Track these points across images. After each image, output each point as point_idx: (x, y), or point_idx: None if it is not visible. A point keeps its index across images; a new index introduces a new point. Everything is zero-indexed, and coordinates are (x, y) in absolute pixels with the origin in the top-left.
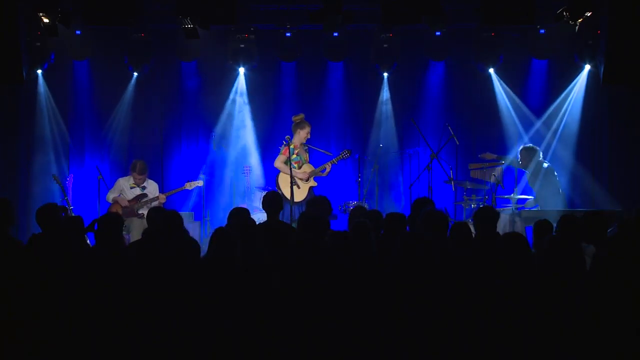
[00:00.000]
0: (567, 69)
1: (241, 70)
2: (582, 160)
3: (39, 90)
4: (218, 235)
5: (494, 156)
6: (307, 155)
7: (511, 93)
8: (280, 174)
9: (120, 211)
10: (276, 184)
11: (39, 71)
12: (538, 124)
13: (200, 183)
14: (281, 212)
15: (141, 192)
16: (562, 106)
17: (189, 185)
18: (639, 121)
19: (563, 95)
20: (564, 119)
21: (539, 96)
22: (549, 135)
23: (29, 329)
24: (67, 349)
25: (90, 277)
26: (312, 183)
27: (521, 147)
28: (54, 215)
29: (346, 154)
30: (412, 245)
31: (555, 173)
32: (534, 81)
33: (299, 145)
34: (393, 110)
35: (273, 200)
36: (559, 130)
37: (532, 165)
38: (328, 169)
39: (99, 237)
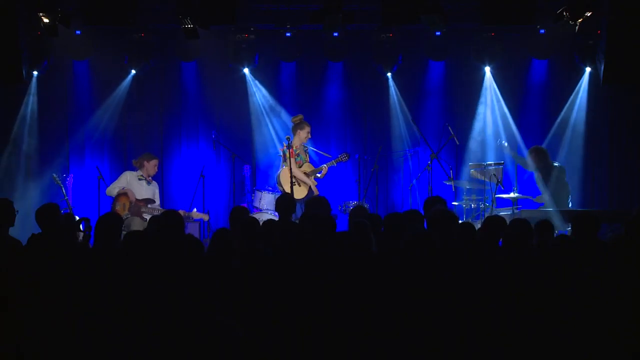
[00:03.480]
0: (567, 69)
1: (246, 70)
2: (582, 160)
3: (39, 90)
4: (219, 235)
5: (510, 150)
6: (308, 156)
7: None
8: (282, 171)
9: (127, 204)
10: (277, 181)
11: (39, 71)
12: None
13: (206, 217)
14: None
15: (150, 196)
16: (563, 106)
17: (195, 215)
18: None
19: (563, 95)
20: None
21: (538, 96)
22: (549, 135)
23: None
24: (66, 349)
25: (90, 277)
26: (313, 182)
27: (530, 148)
28: (54, 215)
29: (344, 157)
30: (414, 245)
31: (565, 173)
32: (534, 81)
33: (299, 146)
34: (393, 110)
35: (287, 202)
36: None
37: (541, 167)
38: (324, 172)
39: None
